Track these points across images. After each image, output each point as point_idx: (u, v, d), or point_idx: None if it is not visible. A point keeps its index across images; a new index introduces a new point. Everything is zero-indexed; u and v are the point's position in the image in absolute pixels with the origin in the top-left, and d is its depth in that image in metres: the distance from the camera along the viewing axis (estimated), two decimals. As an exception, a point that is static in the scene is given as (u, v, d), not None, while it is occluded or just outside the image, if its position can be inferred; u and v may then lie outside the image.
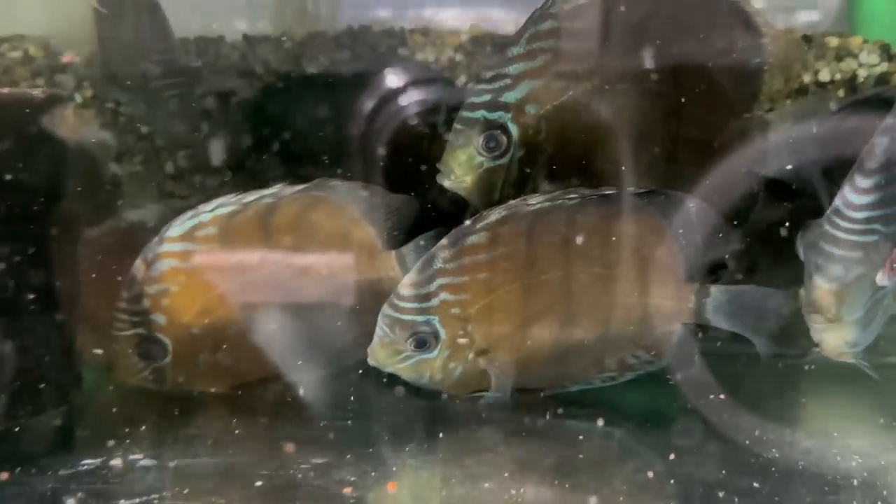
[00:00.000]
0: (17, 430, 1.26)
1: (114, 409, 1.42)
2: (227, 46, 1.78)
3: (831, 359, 1.14)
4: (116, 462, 1.19)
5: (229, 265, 1.34)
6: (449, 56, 1.74)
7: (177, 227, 1.33)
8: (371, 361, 1.29)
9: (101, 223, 1.53)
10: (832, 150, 1.24)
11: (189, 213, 1.34)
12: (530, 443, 1.26)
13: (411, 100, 1.62)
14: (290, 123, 1.72)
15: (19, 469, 1.17)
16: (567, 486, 1.12)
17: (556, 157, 1.33)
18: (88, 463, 1.19)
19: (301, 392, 1.37)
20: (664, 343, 1.29)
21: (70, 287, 1.36)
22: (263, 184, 1.39)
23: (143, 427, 1.31)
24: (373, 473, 1.15)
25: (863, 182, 1.02)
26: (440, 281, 1.24)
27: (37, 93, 1.34)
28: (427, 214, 1.41)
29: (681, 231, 1.26)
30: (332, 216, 1.36)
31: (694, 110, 1.32)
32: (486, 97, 1.30)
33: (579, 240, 1.25)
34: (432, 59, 1.73)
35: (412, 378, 1.29)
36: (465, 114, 1.32)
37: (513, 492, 1.10)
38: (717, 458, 1.19)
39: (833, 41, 1.69)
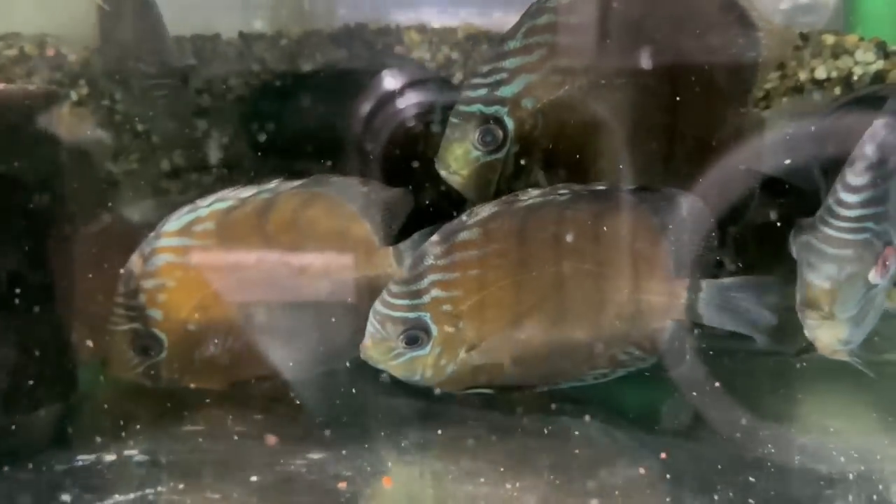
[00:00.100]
0: (12, 426, 1.26)
1: (109, 406, 1.41)
2: (224, 44, 1.78)
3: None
4: (111, 457, 1.19)
5: (226, 260, 1.34)
6: (445, 54, 1.75)
7: (174, 222, 1.33)
8: (364, 357, 1.28)
9: (97, 220, 1.53)
10: (828, 147, 1.24)
11: (186, 208, 1.34)
12: (521, 439, 1.26)
13: (407, 96, 1.62)
14: (286, 121, 1.72)
15: (15, 465, 1.17)
16: (558, 482, 1.12)
17: (553, 151, 1.33)
18: (84, 459, 1.19)
19: (297, 388, 1.37)
20: (656, 339, 1.29)
21: (65, 284, 1.35)
22: (259, 181, 1.38)
23: (139, 423, 1.30)
24: (368, 468, 1.15)
25: (854, 180, 1.03)
26: (431, 277, 1.24)
27: (32, 89, 1.33)
28: (425, 210, 1.40)
29: (673, 227, 1.26)
30: (330, 212, 1.35)
31: (690, 104, 1.32)
32: (483, 91, 1.30)
33: (571, 236, 1.25)
34: (428, 56, 1.74)
35: (404, 375, 1.29)
36: (461, 107, 1.31)
37: (507, 487, 1.10)
38: (709, 453, 1.19)
39: (829, 39, 1.69)
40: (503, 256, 1.25)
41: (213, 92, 1.73)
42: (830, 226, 1.05)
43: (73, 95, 1.70)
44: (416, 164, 1.58)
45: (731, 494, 1.06)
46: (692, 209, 1.26)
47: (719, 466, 1.15)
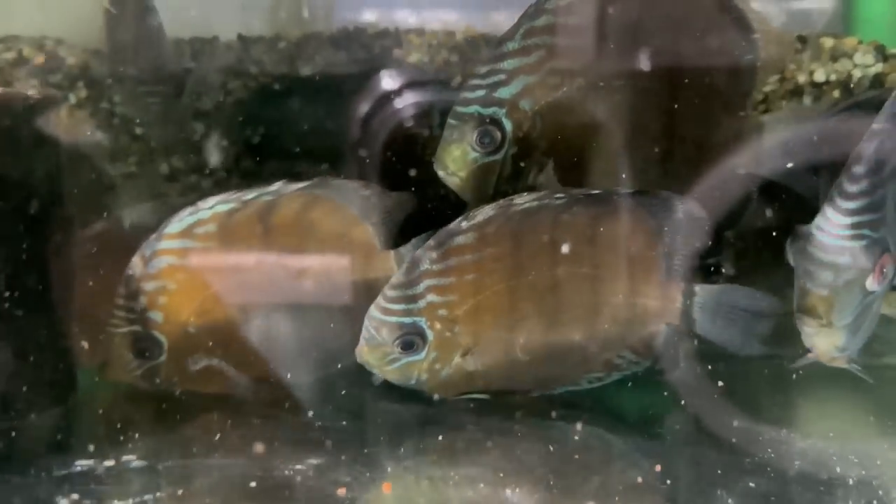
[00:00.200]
0: (9, 430, 1.26)
1: (108, 411, 1.41)
2: (222, 47, 1.78)
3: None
4: (110, 463, 1.18)
5: (228, 263, 1.33)
6: (444, 57, 1.74)
7: (175, 224, 1.33)
8: (360, 362, 1.28)
9: (95, 223, 1.52)
10: (827, 151, 1.24)
11: (188, 210, 1.33)
12: (521, 444, 1.25)
13: (406, 100, 1.62)
14: (285, 124, 1.72)
15: (12, 470, 1.17)
16: (557, 487, 1.11)
17: (551, 153, 1.32)
18: (82, 464, 1.18)
19: (297, 392, 1.36)
20: (650, 343, 1.29)
21: (64, 287, 1.35)
22: (259, 184, 1.38)
23: (137, 428, 1.29)
24: (367, 474, 1.14)
25: (850, 187, 1.02)
26: (427, 282, 1.23)
27: (29, 93, 1.33)
28: (425, 213, 1.40)
29: (669, 231, 1.26)
30: (332, 215, 1.35)
31: (687, 107, 1.32)
32: (481, 92, 1.30)
33: (567, 240, 1.24)
34: (427, 59, 1.74)
35: (399, 380, 1.28)
36: (459, 109, 1.31)
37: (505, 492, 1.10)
38: (708, 458, 1.19)
39: (828, 42, 1.69)
40: (499, 261, 1.24)
41: (211, 95, 1.73)
42: (827, 233, 1.05)
43: (72, 98, 1.70)
44: (415, 167, 1.58)
45: (729, 501, 1.06)
46: (689, 213, 1.26)
47: (718, 471, 1.14)
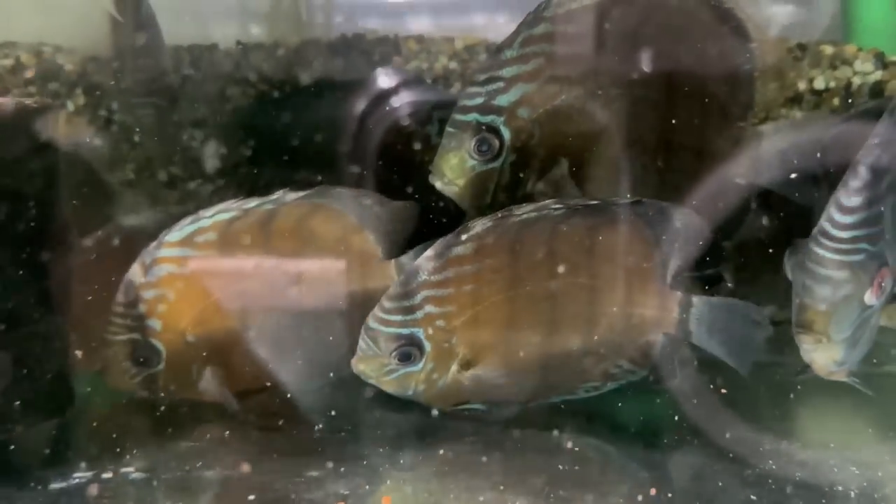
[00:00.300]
0: (6, 443, 1.25)
1: (105, 422, 1.40)
2: (221, 54, 1.78)
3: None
4: (108, 475, 1.18)
5: (228, 271, 1.33)
6: (443, 64, 1.74)
7: (176, 232, 1.32)
8: (356, 373, 1.27)
9: (92, 231, 1.52)
10: (829, 162, 1.24)
11: (189, 219, 1.33)
12: (520, 455, 1.25)
13: (405, 107, 1.62)
14: (283, 131, 1.72)
15: (9, 483, 1.16)
16: (557, 499, 1.11)
17: (549, 161, 1.32)
18: (80, 476, 1.18)
19: (296, 401, 1.36)
20: (647, 353, 1.29)
21: (61, 296, 1.34)
22: (256, 192, 1.37)
23: (135, 440, 1.29)
24: (366, 486, 1.14)
25: (848, 201, 1.02)
26: (425, 293, 1.22)
27: (26, 102, 1.33)
28: (429, 223, 1.40)
29: (667, 241, 1.25)
30: (333, 224, 1.35)
31: (686, 115, 1.32)
32: (479, 100, 1.29)
33: (565, 250, 1.24)
34: (426, 66, 1.74)
35: (396, 391, 1.28)
36: (457, 116, 1.31)
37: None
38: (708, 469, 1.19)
39: (828, 49, 1.69)
40: (497, 272, 1.23)
41: (210, 102, 1.73)
42: (825, 247, 1.04)
43: (70, 105, 1.70)
44: (414, 173, 1.57)
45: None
46: (687, 223, 1.26)
47: (719, 483, 1.14)
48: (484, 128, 1.29)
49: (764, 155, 1.33)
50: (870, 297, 1.05)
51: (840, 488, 1.11)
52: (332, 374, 1.36)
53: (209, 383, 1.35)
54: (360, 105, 1.60)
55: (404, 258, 1.34)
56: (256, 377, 1.36)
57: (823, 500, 1.09)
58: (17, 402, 1.26)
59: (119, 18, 1.61)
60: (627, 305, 1.27)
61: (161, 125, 1.67)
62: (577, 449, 1.25)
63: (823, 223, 1.04)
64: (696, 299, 1.26)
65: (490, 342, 1.26)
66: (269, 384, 1.36)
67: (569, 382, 1.30)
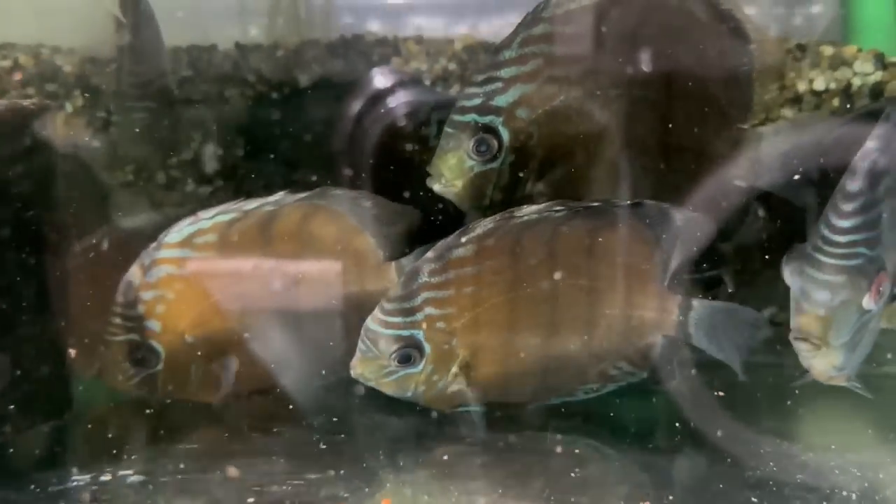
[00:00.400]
0: (5, 445, 1.25)
1: (103, 424, 1.40)
2: (220, 55, 1.78)
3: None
4: (106, 478, 1.18)
5: (227, 273, 1.33)
6: (442, 65, 1.74)
7: (175, 234, 1.32)
8: (354, 375, 1.27)
9: (90, 232, 1.52)
10: (834, 164, 1.23)
11: (188, 220, 1.33)
12: (520, 457, 1.25)
13: (404, 108, 1.62)
14: (282, 132, 1.72)
15: (7, 485, 1.16)
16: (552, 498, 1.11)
17: (548, 161, 1.32)
18: (78, 479, 1.17)
19: (294, 404, 1.36)
20: (646, 354, 1.29)
21: (59, 298, 1.34)
22: (256, 193, 1.37)
23: (133, 442, 1.29)
24: (365, 489, 1.14)
25: (846, 206, 1.01)
26: (425, 295, 1.22)
27: (25, 104, 1.33)
28: (430, 225, 1.39)
29: (667, 243, 1.25)
30: (333, 226, 1.35)
31: (685, 116, 1.32)
32: (478, 100, 1.29)
33: (566, 252, 1.24)
34: (425, 68, 1.73)
35: (396, 393, 1.27)
36: (455, 117, 1.30)
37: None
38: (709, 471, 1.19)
39: (828, 50, 1.69)
40: (498, 273, 1.23)
41: (209, 103, 1.73)
42: (823, 252, 1.03)
43: (69, 107, 1.70)
44: (413, 175, 1.57)
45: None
46: (687, 225, 1.25)
47: (720, 485, 1.13)
48: (482, 128, 1.29)
49: (763, 157, 1.32)
50: (868, 302, 1.05)
51: (841, 490, 1.11)
52: (331, 376, 1.36)
53: (229, 372, 1.35)
54: (359, 106, 1.60)
55: (405, 260, 1.34)
56: (256, 379, 1.36)
57: (825, 502, 1.09)
58: (15, 404, 1.26)
59: (122, 20, 1.61)
60: (627, 307, 1.27)
61: (160, 126, 1.67)
62: (576, 451, 1.24)
63: (821, 228, 1.03)
64: (695, 302, 1.26)
65: (490, 344, 1.26)
66: (268, 386, 1.36)
67: (568, 384, 1.30)
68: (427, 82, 1.73)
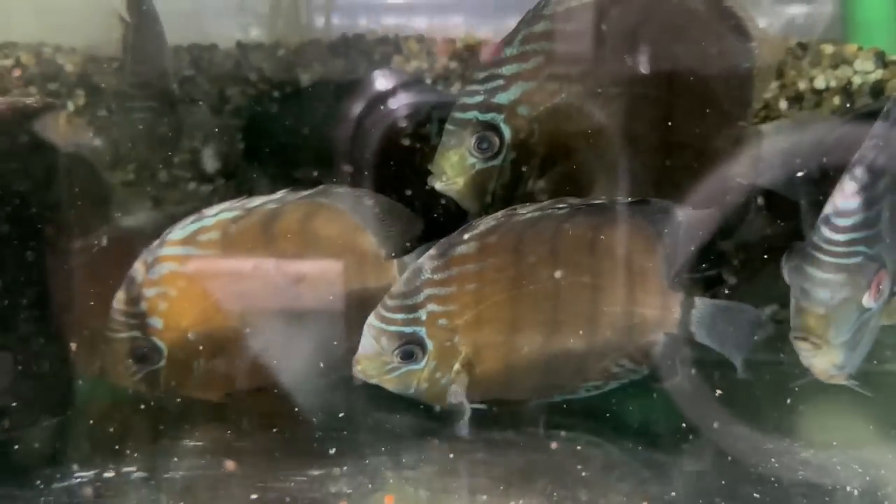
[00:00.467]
0: (8, 442, 1.25)
1: (107, 421, 1.39)
2: (222, 54, 1.78)
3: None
4: (109, 474, 1.18)
5: (230, 270, 1.33)
6: (443, 64, 1.74)
7: (179, 231, 1.32)
8: (356, 373, 1.27)
9: (92, 231, 1.52)
10: (836, 162, 1.23)
11: (192, 217, 1.33)
12: (523, 455, 1.25)
13: (405, 108, 1.62)
14: (283, 131, 1.72)
15: (11, 482, 1.16)
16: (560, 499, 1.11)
17: (549, 159, 1.32)
18: (81, 475, 1.18)
19: (296, 401, 1.35)
20: (648, 352, 1.29)
21: (62, 296, 1.34)
22: (258, 192, 1.37)
23: (136, 439, 1.29)
24: (369, 485, 1.14)
25: (845, 204, 1.01)
26: (428, 292, 1.23)
27: (27, 102, 1.33)
28: (431, 223, 1.40)
29: (669, 241, 1.25)
30: (335, 224, 1.35)
31: (686, 114, 1.32)
32: (479, 98, 1.29)
33: (568, 250, 1.24)
34: (426, 66, 1.74)
35: (398, 389, 1.28)
36: (457, 114, 1.30)
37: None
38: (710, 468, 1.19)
39: (828, 49, 1.69)
40: (500, 271, 1.23)
41: (210, 102, 1.73)
42: (822, 250, 1.03)
43: (71, 106, 1.70)
44: (415, 173, 1.57)
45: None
46: (689, 222, 1.25)
47: (722, 482, 1.13)
48: (484, 126, 1.29)
49: (764, 155, 1.33)
50: (868, 300, 1.05)
51: (843, 487, 1.11)
52: (334, 373, 1.36)
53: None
54: (360, 104, 1.60)
55: (407, 257, 1.34)
56: (258, 376, 1.36)
57: (826, 499, 1.09)
58: (18, 401, 1.26)
59: (127, 19, 1.61)
60: (630, 305, 1.27)
61: (161, 125, 1.67)
62: (578, 448, 1.24)
63: (820, 226, 1.03)
64: (697, 300, 1.26)
65: (492, 341, 1.26)
66: (270, 383, 1.36)
67: (570, 381, 1.30)
68: (428, 81, 1.73)
